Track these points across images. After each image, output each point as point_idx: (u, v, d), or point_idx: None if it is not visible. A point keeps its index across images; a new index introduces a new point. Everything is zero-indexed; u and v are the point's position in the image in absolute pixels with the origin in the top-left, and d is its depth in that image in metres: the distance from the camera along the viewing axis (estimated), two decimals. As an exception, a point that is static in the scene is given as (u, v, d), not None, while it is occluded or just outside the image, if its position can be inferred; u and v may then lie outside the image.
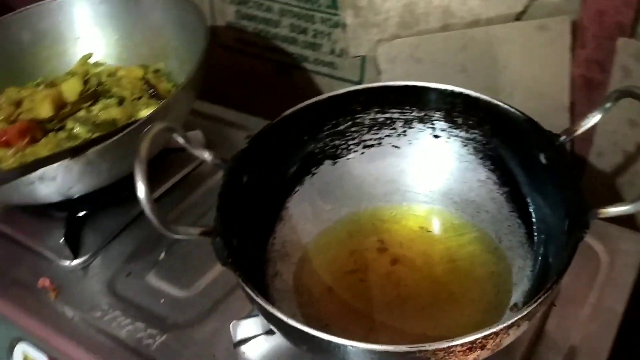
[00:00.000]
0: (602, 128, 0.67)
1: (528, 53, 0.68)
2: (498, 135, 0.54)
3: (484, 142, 0.55)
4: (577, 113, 0.69)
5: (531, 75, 0.69)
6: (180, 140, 0.48)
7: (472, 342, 0.38)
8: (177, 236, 0.44)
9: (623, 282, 0.54)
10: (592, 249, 0.57)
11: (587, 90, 0.68)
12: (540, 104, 0.70)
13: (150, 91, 0.70)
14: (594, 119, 0.47)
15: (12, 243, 0.66)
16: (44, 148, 0.62)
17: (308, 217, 0.56)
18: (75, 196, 0.60)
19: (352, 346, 0.38)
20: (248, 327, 0.52)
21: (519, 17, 0.68)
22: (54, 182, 0.55)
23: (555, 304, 0.53)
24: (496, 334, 0.38)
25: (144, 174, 0.41)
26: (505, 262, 0.52)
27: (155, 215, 0.41)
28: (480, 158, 0.56)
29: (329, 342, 0.38)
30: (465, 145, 0.56)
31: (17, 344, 0.59)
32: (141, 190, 0.41)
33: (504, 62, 0.70)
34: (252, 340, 0.52)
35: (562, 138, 0.48)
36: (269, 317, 0.41)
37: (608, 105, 0.46)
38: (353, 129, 0.57)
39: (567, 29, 0.66)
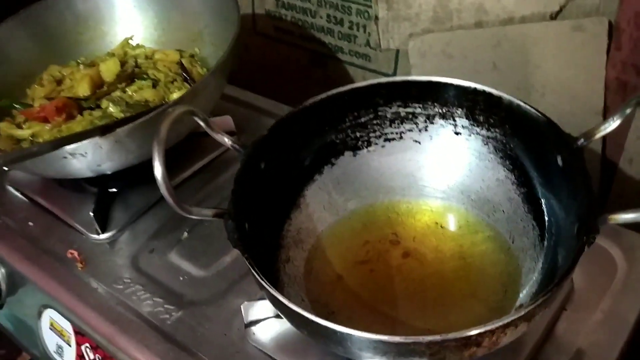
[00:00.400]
0: (634, 134, 0.66)
1: (562, 53, 0.67)
2: (518, 135, 0.53)
3: (504, 141, 0.55)
4: (610, 117, 0.68)
5: (564, 76, 0.68)
6: (202, 123, 0.49)
7: (467, 338, 0.38)
8: (191, 216, 0.46)
9: (638, 290, 0.53)
10: (609, 255, 0.56)
11: (621, 94, 0.67)
12: (572, 106, 0.69)
13: (184, 75, 0.72)
14: (614, 123, 0.47)
15: (47, 214, 0.69)
16: (78, 125, 0.65)
17: (325, 206, 0.57)
18: (106, 173, 0.62)
19: (348, 333, 0.39)
20: (259, 309, 0.53)
21: (554, 16, 0.67)
22: (84, 158, 0.57)
23: (566, 309, 0.53)
24: (492, 332, 0.39)
25: (161, 154, 0.43)
26: (516, 263, 0.52)
27: (170, 194, 0.43)
28: (500, 157, 0.55)
29: (326, 327, 0.39)
30: (485, 144, 0.56)
31: (44, 310, 0.62)
32: (158, 170, 0.43)
33: (536, 62, 0.69)
34: (263, 322, 0.53)
35: (580, 141, 0.47)
36: (271, 298, 0.43)
37: (628, 111, 0.46)
38: (375, 121, 0.58)
39: (604, 30, 0.64)
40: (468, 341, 0.39)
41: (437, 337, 0.38)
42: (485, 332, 0.38)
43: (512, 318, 0.38)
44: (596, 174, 0.72)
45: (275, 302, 0.43)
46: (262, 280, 0.42)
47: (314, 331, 0.42)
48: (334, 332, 0.39)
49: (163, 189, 0.43)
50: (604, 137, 0.69)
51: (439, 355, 0.39)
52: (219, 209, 0.47)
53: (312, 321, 0.40)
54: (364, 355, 0.41)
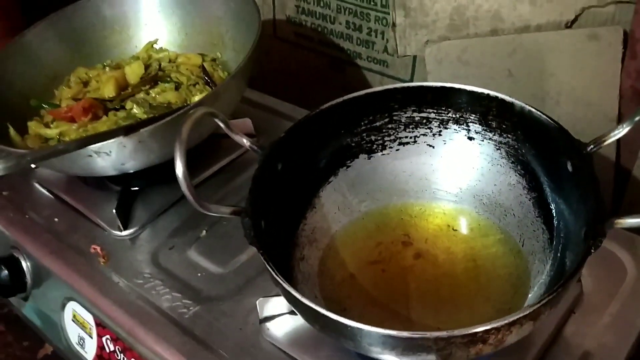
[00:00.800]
0: (647, 142, 0.67)
1: (577, 61, 0.68)
2: (530, 140, 0.54)
3: (516, 146, 0.56)
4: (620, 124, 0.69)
5: (579, 84, 0.69)
6: (222, 124, 0.51)
7: (473, 335, 0.39)
8: (210, 213, 0.47)
9: (647, 295, 0.54)
10: (619, 260, 0.57)
11: (636, 102, 0.67)
12: (587, 113, 0.70)
13: (206, 78, 0.74)
14: (623, 130, 0.48)
15: (72, 211, 0.71)
16: (103, 125, 0.67)
17: (339, 207, 0.59)
18: (129, 171, 0.64)
19: (358, 328, 0.40)
20: (274, 305, 0.55)
21: (569, 25, 0.68)
22: (109, 157, 0.60)
23: (575, 312, 0.54)
24: (497, 329, 0.40)
25: (183, 154, 0.45)
26: (525, 265, 0.53)
27: (190, 192, 0.45)
28: (512, 162, 0.56)
29: (337, 322, 0.41)
30: (498, 149, 0.57)
31: (68, 302, 0.65)
32: (179, 168, 0.45)
33: (551, 70, 0.70)
34: (277, 318, 0.55)
35: (590, 147, 0.48)
36: (285, 293, 0.44)
37: (637, 118, 0.47)
38: (390, 125, 0.59)
39: (619, 39, 0.65)
40: (474, 338, 0.40)
41: (444, 333, 0.39)
42: (491, 330, 0.40)
43: (518, 316, 0.40)
44: (610, 181, 0.72)
45: (289, 297, 0.44)
46: (277, 275, 0.44)
47: (326, 325, 0.43)
48: (345, 326, 0.41)
49: (183, 187, 0.45)
50: (618, 145, 0.70)
51: (446, 351, 0.41)
52: (236, 206, 0.48)
53: (324, 315, 0.41)
54: (374, 350, 0.42)
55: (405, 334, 0.39)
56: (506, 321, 0.39)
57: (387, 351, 0.42)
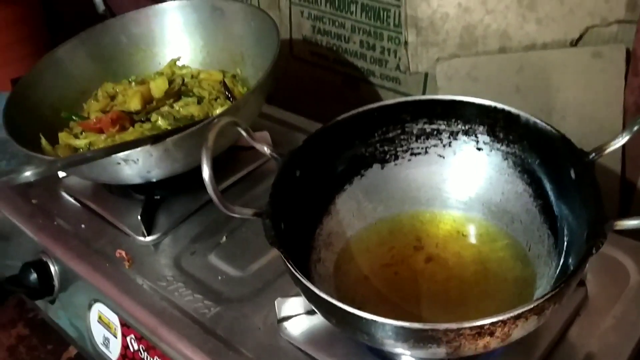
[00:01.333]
0: (650, 155, 0.69)
1: (582, 78, 0.71)
2: (535, 150, 0.57)
3: (523, 156, 0.58)
4: (629, 139, 0.71)
5: (584, 100, 0.72)
6: (244, 133, 0.55)
7: (480, 327, 0.42)
8: (233, 214, 0.51)
9: (649, 299, 0.56)
10: (623, 267, 0.59)
11: None
12: (592, 128, 0.73)
13: (227, 93, 0.78)
14: (623, 139, 0.50)
15: (98, 218, 0.75)
16: (130, 136, 0.71)
17: (354, 213, 0.62)
18: (154, 180, 0.68)
19: (372, 320, 0.43)
20: (291, 305, 0.57)
21: (574, 43, 0.71)
22: (136, 165, 0.63)
23: (580, 314, 0.56)
24: (504, 322, 0.42)
25: (209, 159, 0.48)
26: (531, 268, 0.55)
27: (216, 194, 0.48)
28: (519, 171, 0.59)
29: (353, 314, 0.44)
30: (505, 159, 0.60)
31: (94, 304, 0.68)
32: (206, 172, 0.48)
33: (557, 86, 0.73)
34: (294, 318, 0.57)
35: (592, 156, 0.51)
36: (303, 288, 0.47)
37: (635, 128, 0.49)
38: (402, 137, 0.62)
39: (622, 57, 0.68)
40: (481, 330, 0.42)
41: (453, 325, 0.42)
42: (497, 322, 0.42)
43: (522, 310, 0.42)
44: (616, 195, 0.75)
45: (307, 292, 0.47)
46: (296, 271, 0.47)
47: (342, 319, 0.46)
48: (360, 319, 0.43)
49: (210, 189, 0.48)
50: (623, 159, 0.72)
51: (455, 343, 0.43)
52: (258, 209, 0.52)
53: (341, 309, 0.44)
54: (387, 342, 0.45)
55: (416, 325, 0.42)
56: (512, 314, 0.42)
57: (400, 343, 0.44)
